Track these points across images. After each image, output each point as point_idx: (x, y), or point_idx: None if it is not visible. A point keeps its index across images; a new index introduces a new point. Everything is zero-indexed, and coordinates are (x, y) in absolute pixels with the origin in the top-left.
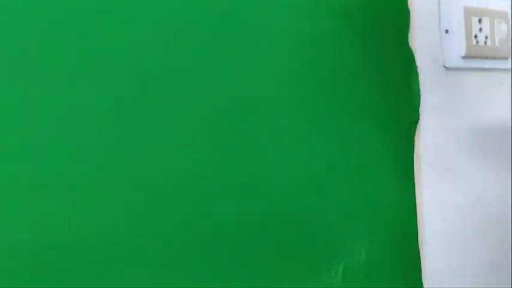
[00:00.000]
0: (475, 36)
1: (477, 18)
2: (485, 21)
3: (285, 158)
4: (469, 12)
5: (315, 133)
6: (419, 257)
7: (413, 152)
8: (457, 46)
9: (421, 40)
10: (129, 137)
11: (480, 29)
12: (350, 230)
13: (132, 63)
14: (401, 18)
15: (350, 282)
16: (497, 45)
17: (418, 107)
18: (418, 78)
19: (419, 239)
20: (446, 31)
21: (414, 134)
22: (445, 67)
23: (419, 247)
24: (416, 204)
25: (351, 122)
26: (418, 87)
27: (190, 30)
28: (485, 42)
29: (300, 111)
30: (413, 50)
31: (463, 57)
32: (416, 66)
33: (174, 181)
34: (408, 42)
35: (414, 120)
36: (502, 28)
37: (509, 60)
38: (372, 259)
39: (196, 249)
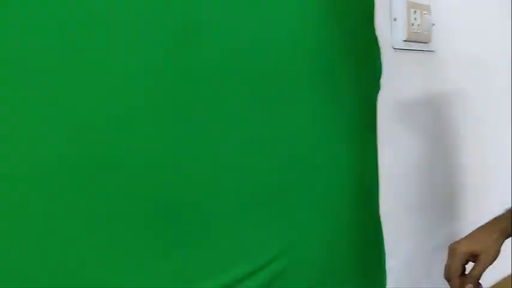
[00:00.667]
0: (412, 25)
1: (413, 10)
2: (418, 13)
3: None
4: (409, 6)
5: (295, 99)
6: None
7: (376, 116)
8: (401, 32)
9: (378, 27)
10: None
11: (415, 19)
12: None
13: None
14: (369, 10)
15: (328, 225)
16: (425, 32)
17: (380, 79)
18: (380, 56)
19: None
20: (395, 19)
21: (377, 100)
22: (393, 48)
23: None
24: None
25: (331, 90)
26: (380, 63)
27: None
28: (418, 30)
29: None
30: None
31: (404, 41)
32: (379, 47)
33: None
34: (374, 29)
35: (377, 89)
36: (427, 19)
37: (430, 44)
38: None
39: None
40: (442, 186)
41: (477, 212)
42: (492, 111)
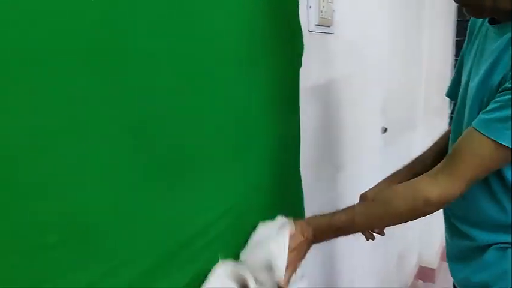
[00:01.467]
0: (321, 12)
1: (322, 0)
2: (325, 1)
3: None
4: None
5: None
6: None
7: (299, 88)
8: (314, 17)
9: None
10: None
11: (323, 7)
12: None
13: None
14: (294, 2)
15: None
16: (329, 18)
17: (301, 56)
18: (302, 38)
19: None
20: (310, 7)
21: (299, 73)
22: (308, 31)
23: None
24: None
25: (266, 66)
26: (303, 43)
27: None
28: (324, 16)
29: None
30: None
31: (316, 25)
32: (301, 30)
33: None
34: (298, 15)
35: (300, 65)
36: (329, 6)
37: (332, 27)
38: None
39: None
40: (330, 146)
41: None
42: (370, 82)
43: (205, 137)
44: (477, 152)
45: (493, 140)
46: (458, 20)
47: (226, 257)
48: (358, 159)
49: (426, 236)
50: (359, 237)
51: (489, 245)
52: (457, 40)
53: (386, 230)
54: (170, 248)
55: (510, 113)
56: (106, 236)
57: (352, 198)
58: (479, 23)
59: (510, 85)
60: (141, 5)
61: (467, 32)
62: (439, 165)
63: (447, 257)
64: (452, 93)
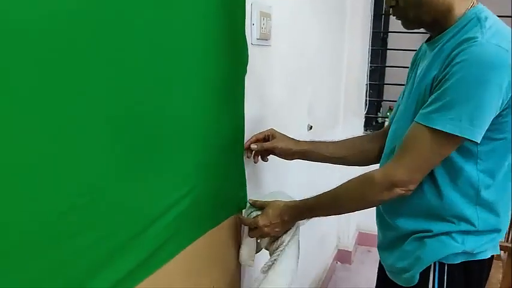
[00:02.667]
0: (262, 28)
1: (263, 17)
2: (265, 19)
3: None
4: (261, 14)
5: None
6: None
7: (244, 88)
8: (256, 32)
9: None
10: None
11: (263, 24)
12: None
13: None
14: (242, 20)
15: (217, 160)
16: (267, 32)
17: (246, 65)
18: (247, 49)
19: None
20: (253, 24)
21: (244, 79)
22: (251, 44)
23: None
24: None
25: (217, 71)
26: (247, 54)
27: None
28: (264, 31)
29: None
30: None
31: (257, 39)
32: (246, 43)
33: None
34: (244, 31)
35: (245, 72)
36: (268, 23)
37: (269, 41)
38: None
39: None
40: None
41: None
42: (302, 83)
43: (167, 131)
44: (419, 142)
45: (430, 127)
46: (373, 32)
47: (187, 233)
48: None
49: (344, 222)
50: None
51: (410, 235)
52: (372, 49)
53: None
54: (137, 227)
55: (441, 103)
56: (85, 213)
57: (283, 180)
58: (421, 52)
59: (440, 81)
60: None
61: (412, 59)
62: (392, 158)
63: (378, 246)
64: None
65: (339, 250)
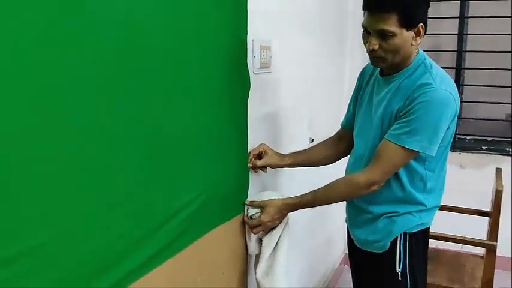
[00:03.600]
0: (262, 58)
1: (263, 50)
2: (264, 52)
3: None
4: (261, 48)
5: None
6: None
7: (247, 110)
8: (257, 62)
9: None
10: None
11: (263, 55)
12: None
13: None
14: (244, 53)
15: (227, 167)
16: (267, 62)
17: (249, 90)
18: (249, 77)
19: None
20: (254, 56)
21: (247, 101)
22: (253, 72)
23: None
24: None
25: (224, 96)
26: (249, 81)
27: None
28: (264, 61)
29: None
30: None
31: (258, 68)
32: (248, 71)
33: None
34: (246, 62)
35: (247, 96)
36: (268, 54)
37: (270, 68)
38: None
39: None
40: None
41: None
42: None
43: (181, 144)
44: (391, 155)
45: (401, 146)
46: None
47: (197, 229)
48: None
49: None
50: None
51: (380, 216)
52: None
53: (315, 218)
54: (155, 223)
55: (409, 129)
56: (116, 211)
57: (289, 187)
58: (367, 75)
59: (405, 112)
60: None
61: (359, 79)
62: (369, 165)
63: (349, 224)
64: (346, 123)
65: (346, 254)
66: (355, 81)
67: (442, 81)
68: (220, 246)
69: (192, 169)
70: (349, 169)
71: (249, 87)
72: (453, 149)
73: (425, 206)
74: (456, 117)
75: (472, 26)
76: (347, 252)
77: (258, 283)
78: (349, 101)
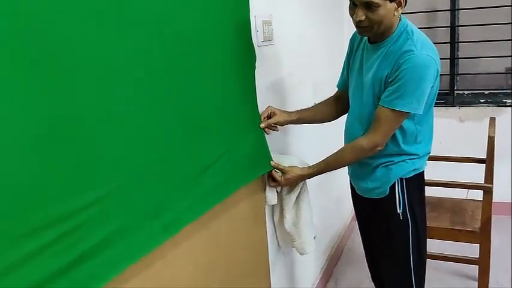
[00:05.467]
0: (265, 32)
1: (265, 24)
2: (266, 26)
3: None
4: (263, 22)
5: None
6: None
7: (254, 81)
8: (260, 36)
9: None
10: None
11: (265, 29)
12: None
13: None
14: (248, 28)
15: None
16: (269, 35)
17: (255, 61)
18: (254, 49)
19: None
20: (257, 31)
21: (254, 73)
22: (257, 46)
23: None
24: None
25: (232, 68)
26: (255, 53)
27: None
28: (266, 34)
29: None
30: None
31: (262, 41)
32: (253, 45)
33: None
34: (251, 37)
35: (254, 67)
36: (269, 28)
37: (272, 41)
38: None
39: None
40: None
41: (296, 128)
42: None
43: (207, 112)
44: (388, 118)
45: (394, 109)
46: None
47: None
48: (298, 127)
49: None
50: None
51: (378, 166)
52: None
53: (323, 180)
54: (193, 172)
55: (399, 94)
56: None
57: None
58: (357, 41)
59: (393, 79)
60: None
61: (350, 45)
62: (369, 130)
63: (351, 176)
64: (341, 85)
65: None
66: None
67: (423, 46)
68: (244, 200)
69: (216, 131)
70: (349, 129)
71: (255, 59)
72: (452, 104)
73: (418, 155)
74: (438, 76)
75: None
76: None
77: (288, 234)
78: (342, 65)
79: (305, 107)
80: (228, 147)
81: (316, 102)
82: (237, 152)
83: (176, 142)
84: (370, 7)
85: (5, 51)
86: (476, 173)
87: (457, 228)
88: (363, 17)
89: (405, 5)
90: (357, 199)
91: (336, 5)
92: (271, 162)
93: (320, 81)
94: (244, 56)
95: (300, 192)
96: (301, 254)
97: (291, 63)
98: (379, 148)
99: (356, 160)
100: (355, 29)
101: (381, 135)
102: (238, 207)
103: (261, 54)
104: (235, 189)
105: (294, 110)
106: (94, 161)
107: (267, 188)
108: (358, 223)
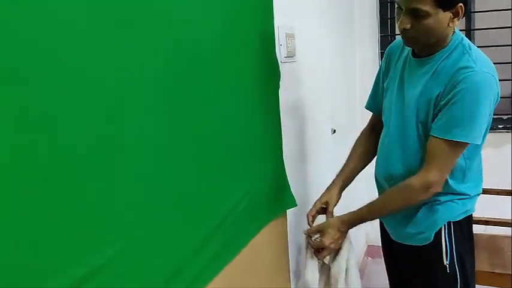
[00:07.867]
0: (288, 47)
1: (288, 38)
2: (290, 40)
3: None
4: (287, 36)
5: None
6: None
7: (278, 99)
8: (283, 52)
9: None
10: None
11: (289, 43)
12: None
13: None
14: (272, 42)
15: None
16: (293, 50)
17: (279, 80)
18: (278, 67)
19: None
20: (281, 45)
21: (278, 93)
22: (280, 62)
23: None
24: None
25: (256, 87)
26: (279, 70)
27: None
28: (290, 50)
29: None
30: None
31: (285, 57)
32: (277, 61)
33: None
34: (275, 52)
35: (278, 86)
36: (293, 43)
37: (295, 57)
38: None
39: None
40: (299, 143)
41: (313, 156)
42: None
43: (226, 142)
44: (445, 151)
45: (453, 140)
46: (381, 36)
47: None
48: (316, 152)
49: None
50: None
51: (420, 206)
52: (381, 52)
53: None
54: (213, 223)
55: (457, 121)
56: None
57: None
58: (396, 53)
59: (448, 100)
60: None
61: (386, 58)
62: (423, 167)
63: (385, 222)
64: (373, 106)
65: (368, 246)
66: (365, 72)
67: (483, 64)
68: (266, 244)
69: (237, 170)
70: (387, 156)
71: (280, 77)
72: None
73: (469, 195)
74: (498, 101)
75: (479, 3)
76: (370, 244)
77: None
78: (373, 83)
79: (342, 167)
80: (249, 187)
81: (334, 128)
82: (258, 190)
83: (194, 191)
84: (417, 15)
85: None
86: (498, 204)
87: (497, 271)
88: (408, 26)
89: (463, 16)
90: (390, 247)
91: (348, 28)
92: (303, 231)
93: (338, 107)
94: (268, 74)
95: (348, 256)
96: None
97: (311, 85)
98: (435, 190)
99: (406, 205)
100: (374, 53)
101: (437, 172)
102: (262, 255)
103: (283, 71)
104: (256, 233)
105: (335, 181)
106: (93, 222)
107: (307, 269)
108: (387, 268)
